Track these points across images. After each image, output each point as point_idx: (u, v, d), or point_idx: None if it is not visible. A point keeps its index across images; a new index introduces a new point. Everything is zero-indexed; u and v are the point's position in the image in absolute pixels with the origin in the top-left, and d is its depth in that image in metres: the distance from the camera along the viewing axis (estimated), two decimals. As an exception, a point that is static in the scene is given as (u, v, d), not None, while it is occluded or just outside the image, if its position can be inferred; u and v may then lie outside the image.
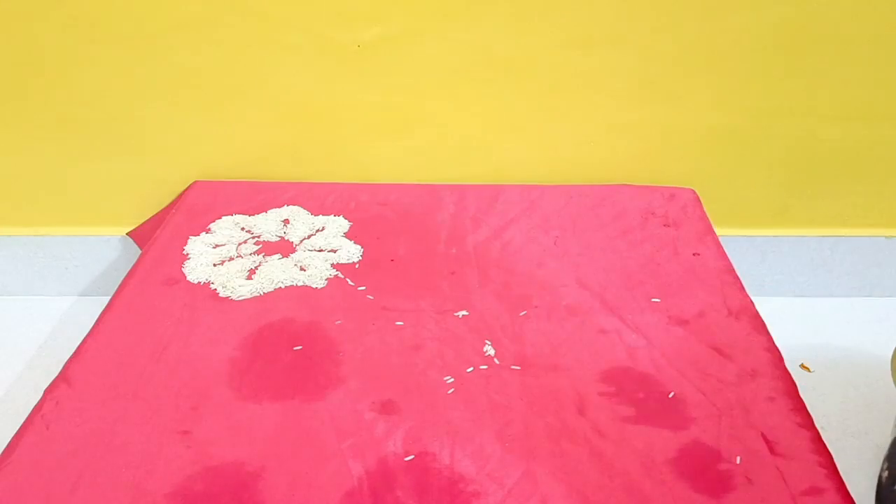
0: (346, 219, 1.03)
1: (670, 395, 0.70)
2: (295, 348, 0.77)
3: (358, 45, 1.08)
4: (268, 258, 0.93)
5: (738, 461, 0.63)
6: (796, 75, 1.10)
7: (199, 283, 0.88)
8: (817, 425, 0.68)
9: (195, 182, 1.15)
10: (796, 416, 0.68)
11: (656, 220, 1.02)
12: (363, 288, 0.88)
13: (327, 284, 0.89)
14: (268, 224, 1.01)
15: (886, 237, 1.20)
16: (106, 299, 0.85)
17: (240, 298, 0.86)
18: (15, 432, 0.66)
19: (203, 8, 1.04)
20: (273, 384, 0.72)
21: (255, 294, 0.87)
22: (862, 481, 0.83)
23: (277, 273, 0.90)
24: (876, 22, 1.05)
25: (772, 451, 0.64)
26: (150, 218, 1.16)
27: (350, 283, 0.89)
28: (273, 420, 0.68)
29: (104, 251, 1.22)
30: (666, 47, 1.08)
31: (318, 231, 1.00)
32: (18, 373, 1.07)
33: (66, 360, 0.74)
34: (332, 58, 1.09)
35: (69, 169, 1.16)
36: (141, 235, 1.14)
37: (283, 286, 0.88)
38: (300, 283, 0.89)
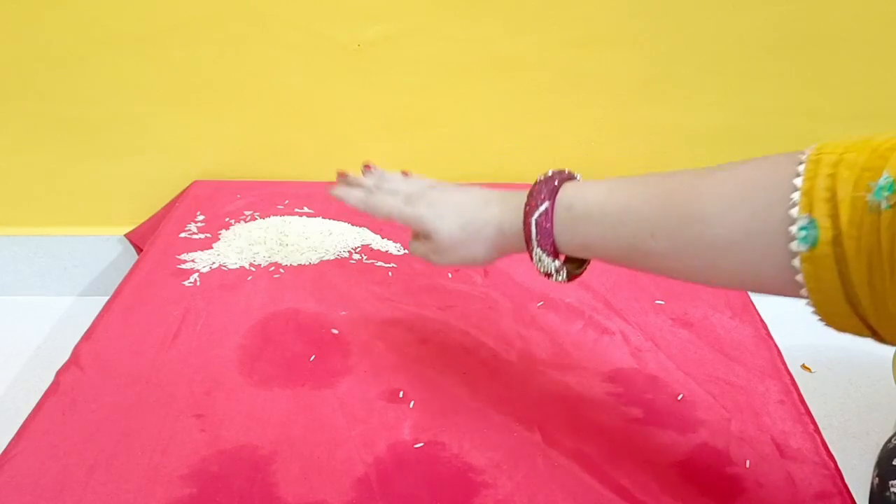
0: (348, 217, 1.03)
1: (679, 398, 0.70)
2: (302, 338, 0.78)
3: (358, 45, 1.08)
4: (271, 250, 0.94)
5: (747, 465, 0.63)
6: (796, 75, 1.10)
7: (205, 272, 0.89)
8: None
9: (195, 182, 1.15)
10: (805, 420, 0.68)
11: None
12: (368, 281, 0.89)
13: (333, 276, 0.89)
14: (270, 223, 1.01)
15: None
16: (105, 299, 0.85)
17: (246, 287, 0.87)
18: (14, 433, 0.65)
19: (203, 8, 1.03)
20: (283, 372, 0.73)
21: (262, 284, 0.87)
22: (863, 482, 0.83)
23: (281, 261, 0.92)
24: (876, 22, 1.05)
25: (782, 454, 0.64)
26: (150, 218, 1.16)
27: (355, 275, 0.90)
28: (284, 406, 0.69)
29: (104, 251, 1.22)
30: (667, 47, 1.08)
31: (321, 229, 1.00)
32: (18, 373, 1.07)
33: (65, 360, 0.74)
34: (332, 57, 1.08)
35: (69, 169, 1.15)
36: (140, 236, 1.14)
37: (287, 277, 0.89)
38: (305, 275, 0.89)
